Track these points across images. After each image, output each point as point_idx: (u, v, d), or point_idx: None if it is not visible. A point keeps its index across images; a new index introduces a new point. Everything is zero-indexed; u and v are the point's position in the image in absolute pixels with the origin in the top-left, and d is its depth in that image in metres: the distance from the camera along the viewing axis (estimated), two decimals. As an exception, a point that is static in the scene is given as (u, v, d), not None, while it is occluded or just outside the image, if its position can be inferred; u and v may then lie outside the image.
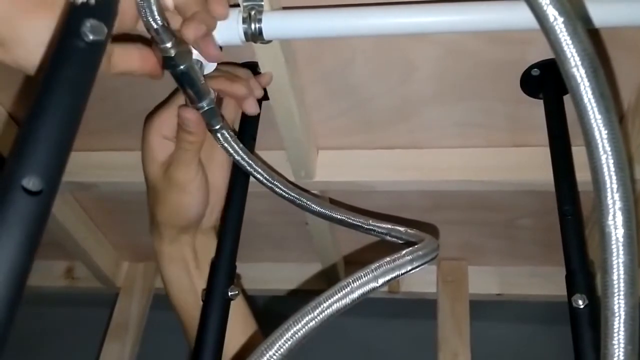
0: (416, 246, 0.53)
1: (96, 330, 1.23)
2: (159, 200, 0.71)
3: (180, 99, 0.69)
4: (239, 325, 0.75)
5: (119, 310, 1.22)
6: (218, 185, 0.73)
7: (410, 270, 0.51)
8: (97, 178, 0.93)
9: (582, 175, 0.71)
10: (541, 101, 0.77)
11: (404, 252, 0.51)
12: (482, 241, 1.08)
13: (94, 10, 0.38)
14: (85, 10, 0.37)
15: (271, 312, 1.21)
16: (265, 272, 1.18)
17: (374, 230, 0.69)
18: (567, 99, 0.76)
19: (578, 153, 0.72)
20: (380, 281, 0.48)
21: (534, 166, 0.83)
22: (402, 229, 0.66)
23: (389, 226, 0.67)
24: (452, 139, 0.85)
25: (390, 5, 0.60)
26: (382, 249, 0.51)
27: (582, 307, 0.59)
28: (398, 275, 0.49)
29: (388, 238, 0.67)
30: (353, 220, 0.71)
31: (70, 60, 0.36)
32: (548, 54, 0.71)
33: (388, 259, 0.50)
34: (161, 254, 0.74)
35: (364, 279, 0.47)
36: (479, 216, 1.01)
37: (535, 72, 0.74)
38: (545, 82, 0.75)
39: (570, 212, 0.66)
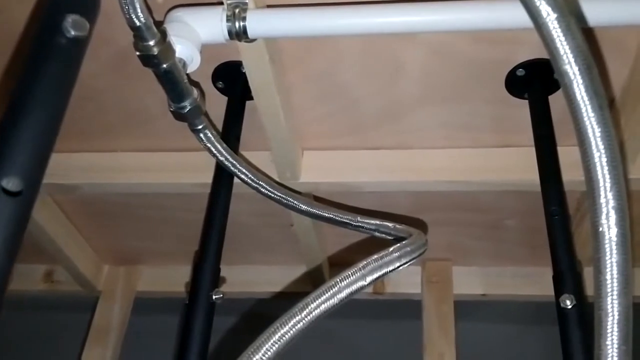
0: (404, 242, 0.52)
1: (77, 335, 1.21)
2: None
3: None
4: None
5: (100, 314, 1.20)
6: None
7: (398, 267, 0.50)
8: (79, 180, 0.92)
9: (565, 175, 0.71)
10: (527, 102, 0.77)
11: (391, 249, 0.50)
12: (467, 242, 1.08)
13: (75, 5, 0.37)
14: (66, 4, 0.36)
15: (257, 315, 1.20)
16: (251, 275, 1.17)
17: (363, 227, 0.68)
18: (552, 99, 0.76)
19: (563, 153, 0.72)
20: (368, 279, 0.47)
21: (520, 167, 0.83)
22: (390, 224, 0.65)
23: (378, 222, 0.67)
24: (439, 139, 0.85)
25: (377, 4, 0.60)
26: (368, 250, 0.50)
27: (570, 307, 0.59)
28: (386, 273, 0.48)
29: (377, 234, 0.67)
30: (341, 217, 0.70)
31: (51, 57, 0.35)
32: (533, 55, 0.71)
33: (375, 256, 0.48)
34: None
35: (351, 277, 0.46)
36: (464, 217, 1.00)
37: (521, 72, 0.74)
38: (531, 82, 0.75)
39: (557, 212, 0.66)
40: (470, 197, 0.93)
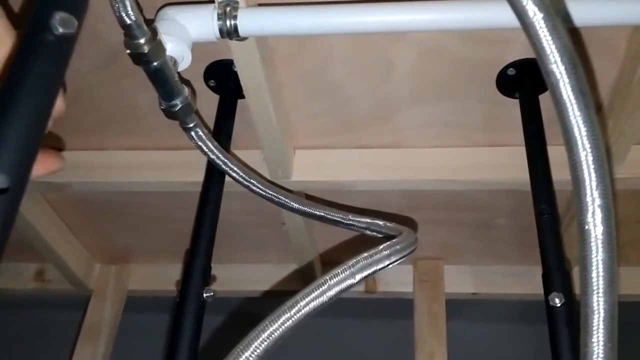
0: (393, 240, 0.52)
1: (68, 334, 1.21)
2: None
3: None
4: None
5: (91, 313, 1.19)
6: None
7: (388, 265, 0.50)
8: (70, 178, 0.91)
9: (556, 174, 0.71)
10: (517, 101, 0.78)
11: (381, 247, 0.50)
12: (458, 241, 1.08)
13: (64, 2, 0.36)
14: (54, 1, 0.36)
15: (247, 313, 1.20)
16: (241, 273, 1.17)
17: (354, 225, 0.68)
18: (542, 98, 0.76)
19: (553, 152, 0.73)
20: (358, 277, 0.47)
21: (510, 166, 0.83)
22: (381, 222, 0.65)
23: (369, 220, 0.67)
24: (430, 138, 0.85)
25: (368, 3, 0.60)
26: (359, 248, 0.50)
27: (559, 305, 0.59)
28: (376, 271, 0.48)
29: (368, 232, 0.67)
30: (333, 215, 0.71)
31: (39, 54, 0.35)
32: (524, 54, 0.72)
33: (365, 254, 0.48)
34: None
35: (341, 275, 0.46)
36: (455, 216, 1.01)
37: (511, 71, 0.74)
38: (521, 81, 0.75)
39: (547, 211, 0.67)
40: (461, 196, 0.94)
